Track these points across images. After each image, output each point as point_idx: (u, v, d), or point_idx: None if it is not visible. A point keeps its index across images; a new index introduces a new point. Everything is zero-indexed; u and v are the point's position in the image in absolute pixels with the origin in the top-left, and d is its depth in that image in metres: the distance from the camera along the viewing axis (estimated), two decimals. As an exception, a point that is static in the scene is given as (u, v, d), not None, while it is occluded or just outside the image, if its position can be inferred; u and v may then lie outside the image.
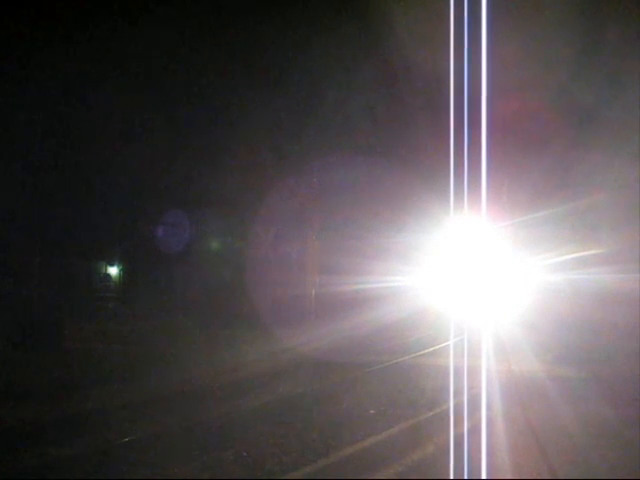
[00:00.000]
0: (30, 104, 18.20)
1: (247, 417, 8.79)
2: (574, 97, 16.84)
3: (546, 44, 15.62)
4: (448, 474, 5.01)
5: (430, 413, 8.69)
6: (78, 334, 17.29)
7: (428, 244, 21.76)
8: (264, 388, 10.69)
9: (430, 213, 19.99)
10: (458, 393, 5.36)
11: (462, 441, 4.90)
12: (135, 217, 23.97)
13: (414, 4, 16.02)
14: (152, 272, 24.48)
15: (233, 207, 23.39)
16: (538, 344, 14.32)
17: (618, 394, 9.62)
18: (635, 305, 13.94)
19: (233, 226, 25.43)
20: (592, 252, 16.56)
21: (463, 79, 5.34)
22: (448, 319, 13.53)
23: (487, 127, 5.13)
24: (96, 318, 21.44)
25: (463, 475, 4.29)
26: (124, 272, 29.92)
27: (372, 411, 9.20)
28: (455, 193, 5.08)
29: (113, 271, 31.48)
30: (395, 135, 22.52)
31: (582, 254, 16.53)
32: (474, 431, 4.63)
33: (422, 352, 14.99)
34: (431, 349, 15.33)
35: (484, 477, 4.28)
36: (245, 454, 7.10)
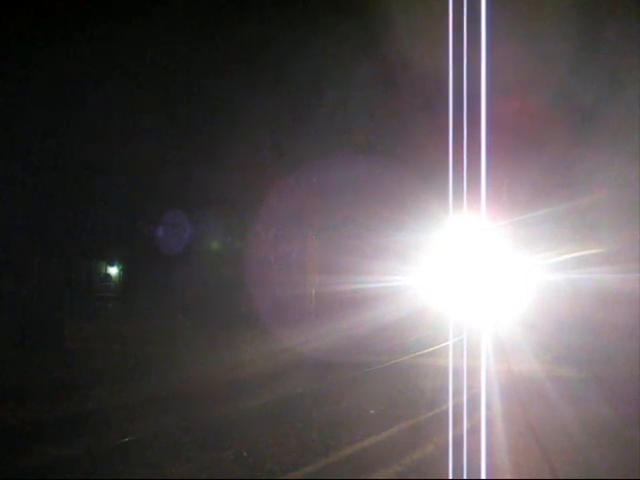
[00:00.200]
0: (30, 104, 18.19)
1: (247, 417, 8.79)
2: (574, 95, 16.84)
3: (545, 42, 15.62)
4: (447, 474, 5.01)
5: (430, 413, 8.69)
6: (78, 334, 17.30)
7: (428, 243, 21.77)
8: (264, 388, 10.68)
9: (430, 212, 20.00)
10: (458, 393, 5.37)
11: (461, 441, 4.90)
12: (135, 217, 23.98)
13: (413, 3, 16.01)
14: (152, 272, 24.48)
15: (233, 207, 23.38)
16: (538, 344, 14.33)
17: (618, 394, 9.62)
18: (635, 305, 13.93)
19: (233, 226, 25.44)
20: (592, 251, 16.55)
21: (462, 78, 5.34)
22: (448, 319, 13.55)
23: (486, 126, 5.13)
24: (96, 318, 21.46)
25: (462, 475, 4.29)
26: (124, 272, 29.94)
27: (372, 411, 9.20)
28: (454, 192, 5.08)
29: (113, 271, 31.52)
30: (395, 134, 22.52)
31: (582, 253, 16.52)
32: (473, 431, 4.63)
33: (421, 352, 14.99)
34: (430, 349, 15.33)
35: (483, 477, 4.28)
36: (245, 454, 7.10)
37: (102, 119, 19.87)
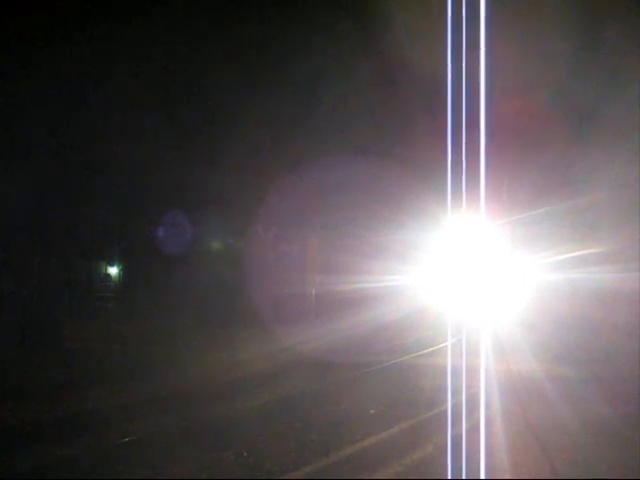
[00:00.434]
0: (30, 104, 18.19)
1: (246, 417, 8.80)
2: (573, 95, 16.84)
3: (545, 42, 15.62)
4: (447, 474, 5.02)
5: (430, 413, 8.69)
6: (78, 334, 17.30)
7: (428, 243, 21.76)
8: (263, 388, 10.69)
9: (429, 212, 20.00)
10: (457, 393, 5.38)
11: (460, 441, 4.91)
12: (135, 217, 23.98)
13: (412, 3, 16.01)
14: (152, 272, 24.49)
15: (233, 207, 23.39)
16: (537, 343, 14.33)
17: (617, 393, 9.63)
18: (634, 305, 13.93)
19: (233, 226, 25.44)
20: (592, 251, 16.55)
21: (461, 78, 5.35)
22: (447, 319, 13.54)
23: (485, 125, 5.14)
24: (96, 318, 21.47)
25: (461, 475, 4.30)
26: (124, 272, 29.94)
27: (372, 411, 9.20)
28: (453, 191, 5.09)
29: (113, 271, 31.51)
30: (394, 134, 22.52)
31: (581, 253, 16.52)
32: (473, 431, 4.63)
33: (421, 352, 15.00)
34: (430, 349, 15.33)
35: (483, 477, 4.28)
36: (245, 454, 7.10)
37: (102, 119, 19.88)
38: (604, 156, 16.97)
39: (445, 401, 8.02)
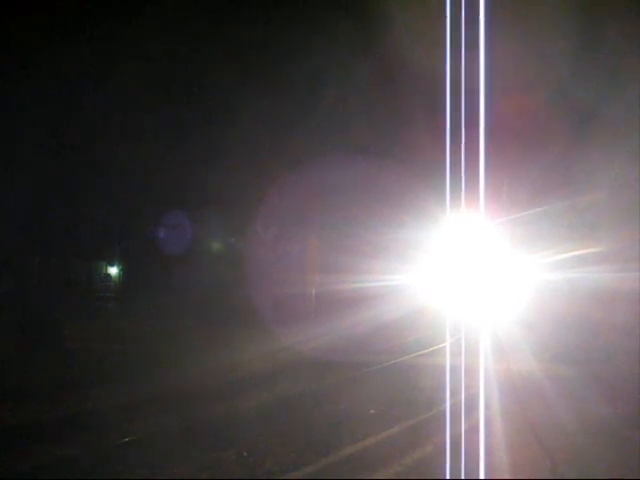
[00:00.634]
0: (30, 104, 18.19)
1: (246, 417, 8.81)
2: (572, 94, 16.84)
3: (544, 41, 15.61)
4: (453, 473, 5.02)
5: (430, 413, 8.69)
6: (78, 334, 17.29)
7: (428, 242, 21.76)
8: (263, 387, 10.69)
9: (429, 211, 20.00)
10: (456, 393, 5.39)
11: (460, 441, 4.91)
12: (135, 217, 23.99)
13: (411, 3, 16.01)
14: (152, 272, 24.50)
15: (233, 207, 23.40)
16: (536, 343, 14.31)
17: (617, 393, 9.62)
18: (633, 304, 13.93)
19: (233, 226, 25.45)
20: (591, 250, 16.55)
21: (460, 77, 5.35)
22: (447, 318, 13.55)
23: (484, 124, 5.14)
24: (96, 318, 21.45)
25: (460, 475, 4.30)
26: (124, 272, 29.94)
27: (372, 411, 9.20)
28: (452, 191, 5.09)
29: (113, 271, 31.51)
30: (394, 134, 22.53)
31: (581, 252, 16.51)
32: (472, 431, 4.63)
33: (421, 352, 14.99)
34: (430, 349, 15.33)
35: (482, 477, 4.28)
36: (245, 454, 7.10)
37: (102, 119, 19.88)
38: (603, 156, 16.96)
39: (445, 401, 8.03)
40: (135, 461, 6.86)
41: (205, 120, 21.75)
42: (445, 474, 4.89)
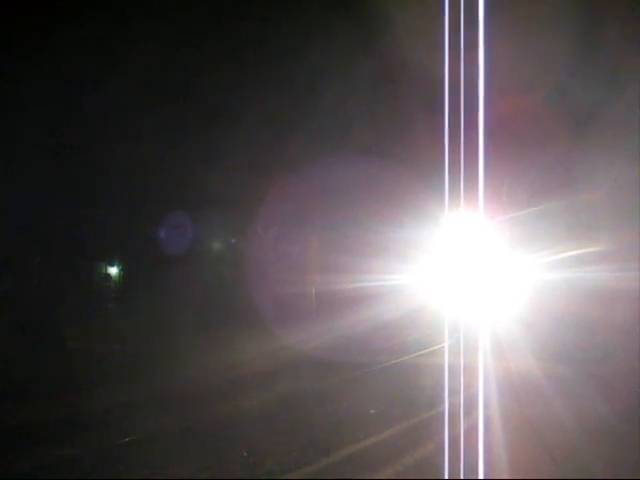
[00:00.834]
0: (30, 103, 18.20)
1: (247, 416, 8.82)
2: (571, 95, 16.84)
3: (542, 41, 15.61)
4: (452, 473, 5.03)
5: (431, 412, 8.69)
6: (78, 334, 17.30)
7: (427, 242, 21.75)
8: (264, 387, 10.70)
9: (429, 211, 20.00)
10: (456, 393, 5.39)
11: (459, 441, 4.92)
12: (135, 217, 23.99)
13: (410, 3, 16.02)
14: (152, 272, 24.49)
15: (233, 207, 23.40)
16: (535, 342, 14.31)
17: (615, 391, 9.63)
18: (632, 303, 13.93)
19: (233, 226, 25.45)
20: (589, 250, 16.55)
21: (459, 77, 5.35)
22: (447, 318, 13.56)
23: (483, 124, 5.15)
24: (96, 318, 21.44)
25: (459, 475, 4.30)
26: (124, 272, 29.93)
27: (372, 411, 9.21)
28: (452, 190, 5.10)
29: (113, 271, 31.49)
30: (394, 133, 22.53)
31: (579, 252, 16.51)
32: (471, 430, 4.64)
33: (421, 352, 15.00)
34: (430, 349, 15.34)
35: (481, 477, 4.29)
36: (245, 454, 7.11)
37: (103, 119, 19.89)
38: (603, 155, 16.96)
39: (446, 400, 8.04)
40: (135, 461, 6.87)
41: (206, 120, 21.76)
42: (444, 474, 4.90)
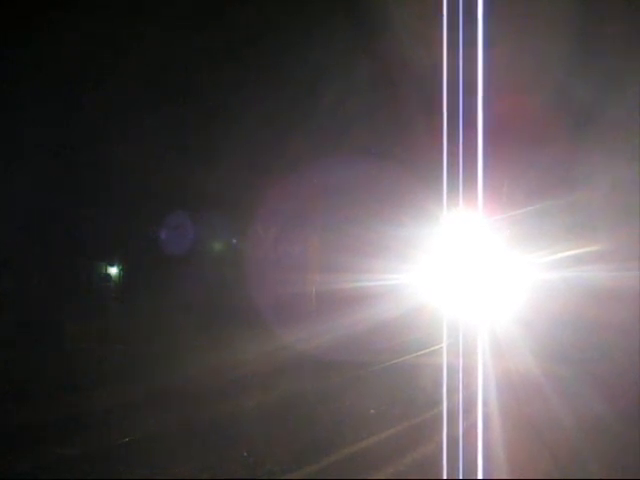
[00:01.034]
0: (30, 103, 18.21)
1: (248, 416, 8.82)
2: (571, 94, 16.84)
3: (542, 40, 15.60)
4: (451, 473, 5.03)
5: (431, 412, 8.68)
6: (78, 334, 17.30)
7: (426, 241, 21.75)
8: (265, 387, 10.70)
9: (428, 210, 20.00)
10: (455, 392, 5.39)
11: (458, 441, 4.92)
12: (135, 217, 24.00)
13: (408, 3, 16.01)
14: (152, 272, 24.49)
15: (234, 207, 23.41)
16: (533, 341, 14.30)
17: (613, 391, 9.62)
18: (630, 303, 13.93)
19: (233, 225, 25.46)
20: (588, 249, 16.54)
21: (458, 77, 5.35)
22: (445, 317, 13.53)
23: (482, 124, 5.15)
24: (96, 318, 21.44)
25: (459, 475, 4.30)
26: (124, 272, 29.93)
27: (372, 410, 9.21)
28: (450, 190, 5.10)
29: (113, 271, 31.47)
30: (393, 133, 22.53)
31: (577, 251, 16.51)
32: (470, 430, 4.64)
33: (422, 352, 14.99)
34: (431, 348, 15.32)
35: (480, 477, 4.29)
36: (246, 454, 7.11)
37: (103, 119, 19.89)
38: (602, 155, 16.96)
39: (446, 400, 8.03)
40: (135, 461, 6.87)
41: (206, 120, 21.76)
42: (442, 474, 4.90)
